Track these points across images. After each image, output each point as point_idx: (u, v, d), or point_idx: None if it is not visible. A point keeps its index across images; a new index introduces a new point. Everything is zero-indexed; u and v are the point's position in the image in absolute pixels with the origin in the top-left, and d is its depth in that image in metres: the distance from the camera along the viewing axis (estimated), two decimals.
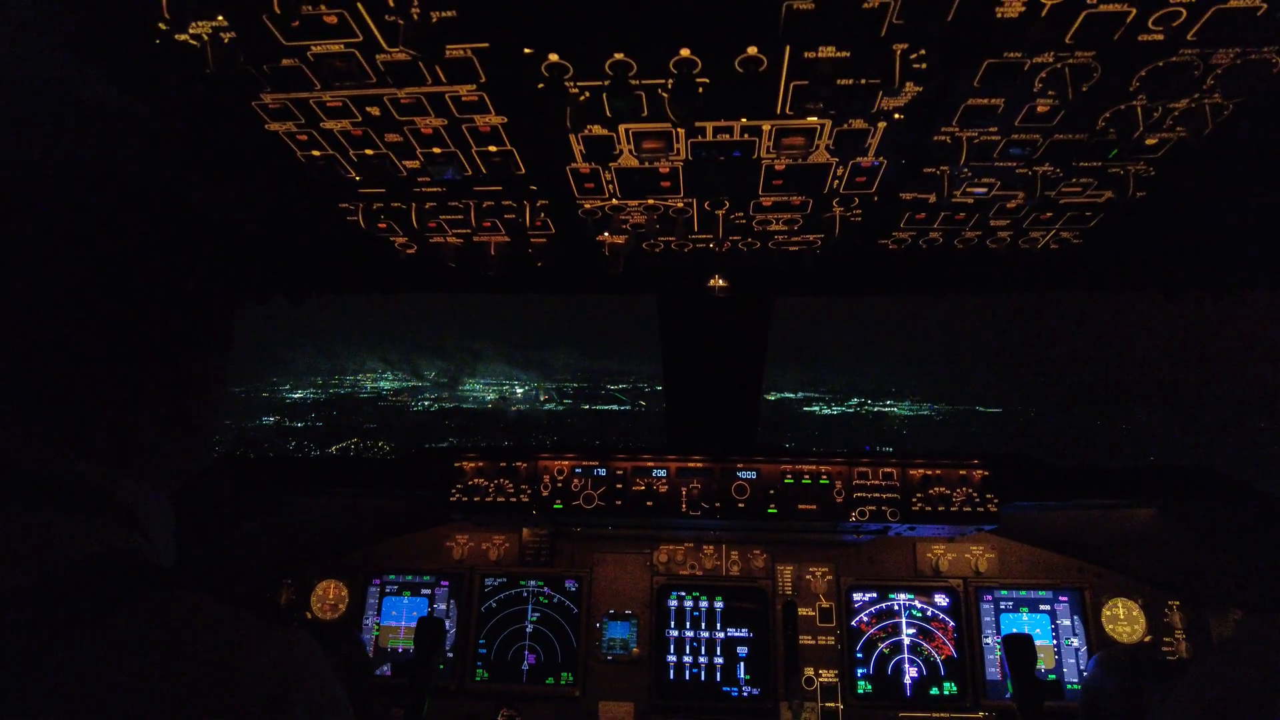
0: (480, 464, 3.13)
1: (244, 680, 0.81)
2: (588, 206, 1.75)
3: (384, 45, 1.19)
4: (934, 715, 3.17)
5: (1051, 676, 3.20)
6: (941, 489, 2.95)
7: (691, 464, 3.07)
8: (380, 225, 1.83)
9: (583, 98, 1.31)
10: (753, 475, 3.03)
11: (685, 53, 1.19)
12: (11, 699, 0.71)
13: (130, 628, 0.79)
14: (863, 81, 1.26)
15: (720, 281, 2.25)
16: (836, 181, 1.62)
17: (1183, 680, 1.17)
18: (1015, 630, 3.27)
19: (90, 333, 1.00)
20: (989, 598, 3.35)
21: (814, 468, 3.02)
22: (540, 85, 1.28)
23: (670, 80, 1.26)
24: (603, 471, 3.08)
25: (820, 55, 1.19)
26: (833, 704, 3.20)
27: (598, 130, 1.42)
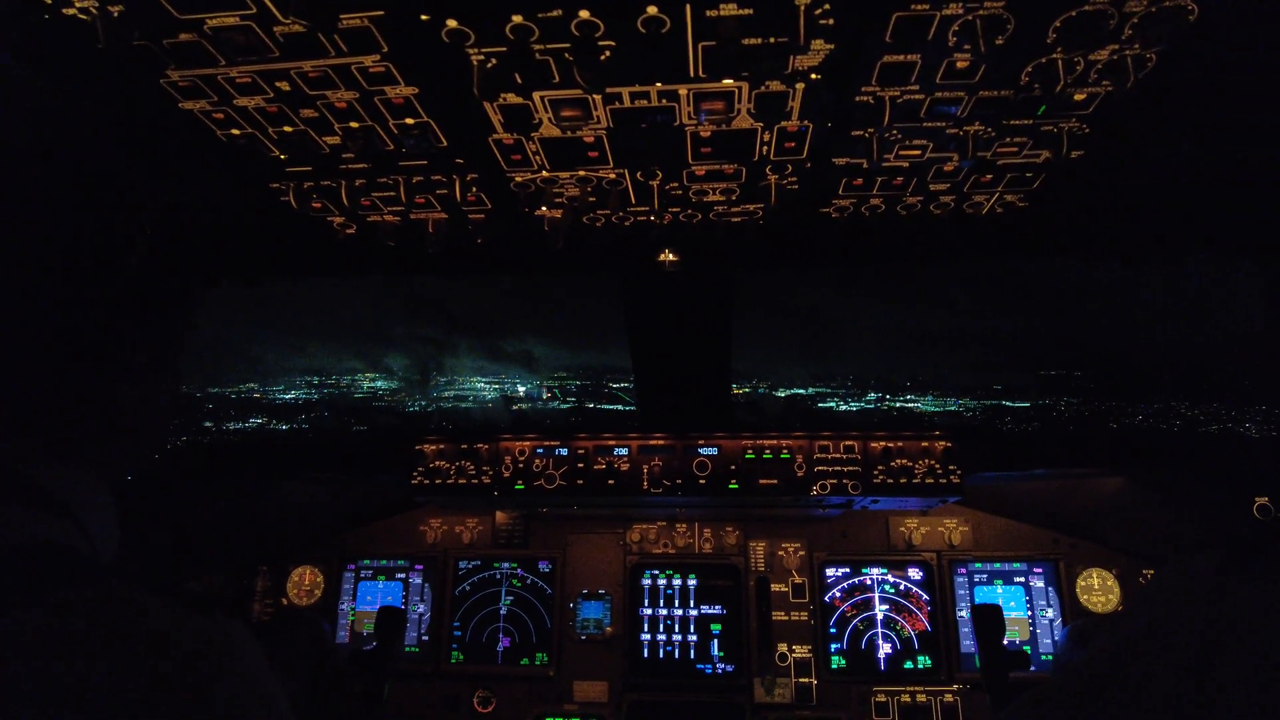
0: (441, 446, 3.14)
1: (160, 670, 0.79)
2: (519, 179, 1.73)
3: (279, 16, 1.17)
4: (908, 689, 3.18)
5: (1026, 648, 3.21)
6: (903, 461, 2.94)
7: (653, 442, 3.07)
8: (314, 205, 1.82)
9: (490, 64, 1.29)
10: (714, 451, 3.03)
11: (585, 14, 1.17)
12: None
13: (44, 619, 0.76)
14: (770, 40, 1.24)
15: (671, 256, 2.23)
16: (765, 147, 1.60)
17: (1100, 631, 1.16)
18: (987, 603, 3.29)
19: (21, 319, 0.96)
20: (963, 571, 3.35)
21: (775, 442, 3.01)
22: (442, 53, 1.26)
23: (573, 44, 1.24)
24: (564, 451, 3.08)
25: (722, 14, 1.17)
26: (806, 679, 3.21)
27: (513, 99, 1.40)
